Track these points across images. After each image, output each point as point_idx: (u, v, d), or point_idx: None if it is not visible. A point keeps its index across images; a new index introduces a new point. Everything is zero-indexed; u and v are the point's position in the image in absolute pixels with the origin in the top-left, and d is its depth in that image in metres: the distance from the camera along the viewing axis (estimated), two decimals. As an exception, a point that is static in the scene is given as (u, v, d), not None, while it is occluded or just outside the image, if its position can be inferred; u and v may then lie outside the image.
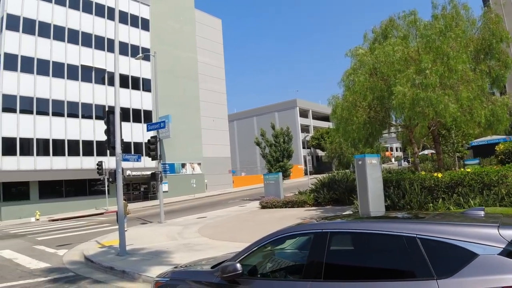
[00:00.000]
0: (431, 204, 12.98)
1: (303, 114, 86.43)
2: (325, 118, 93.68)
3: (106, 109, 42.11)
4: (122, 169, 12.65)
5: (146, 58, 44.98)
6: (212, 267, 4.69)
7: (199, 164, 54.25)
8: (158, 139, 20.82)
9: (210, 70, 59.06)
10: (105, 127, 13.08)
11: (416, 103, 12.83)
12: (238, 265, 4.01)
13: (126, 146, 38.48)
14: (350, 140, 16.56)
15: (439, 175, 13.55)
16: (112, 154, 39.65)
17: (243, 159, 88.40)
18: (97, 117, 42.20)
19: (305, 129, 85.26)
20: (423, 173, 14.77)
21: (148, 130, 22.06)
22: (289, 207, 22.26)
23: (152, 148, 20.51)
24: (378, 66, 14.19)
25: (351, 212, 13.63)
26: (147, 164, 42.56)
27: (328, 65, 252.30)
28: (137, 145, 45.39)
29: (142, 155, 33.25)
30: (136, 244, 14.24)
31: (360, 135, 15.62)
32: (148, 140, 20.99)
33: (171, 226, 19.17)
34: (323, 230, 3.88)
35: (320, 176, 25.32)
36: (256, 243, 4.36)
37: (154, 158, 20.69)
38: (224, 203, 33.29)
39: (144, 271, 9.74)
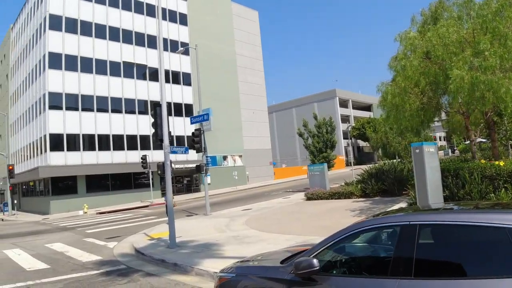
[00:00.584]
0: (492, 194, 12.20)
1: (343, 104, 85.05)
2: (366, 107, 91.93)
3: (149, 104, 42.79)
4: (170, 162, 12.56)
5: (186, 52, 45.36)
6: (281, 262, 4.39)
7: (240, 156, 54.35)
8: (202, 131, 20.78)
9: (248, 62, 58.92)
10: (147, 121, 13.11)
11: (476, 87, 12.04)
12: (315, 261, 3.69)
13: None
14: (402, 128, 15.85)
15: (501, 163, 12.71)
16: (157, 147, 40.71)
17: (282, 151, 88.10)
18: (140, 112, 42.90)
19: (345, 119, 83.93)
20: (483, 161, 13.93)
21: (191, 123, 22.04)
22: (335, 199, 21.75)
23: (196, 141, 20.50)
24: (432, 49, 13.42)
25: (407, 204, 13.04)
26: (189, 157, 43.02)
27: (368, 53, 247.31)
28: (179, 139, 45.82)
29: (185, 148, 33.50)
30: (185, 236, 14.18)
31: (413, 122, 14.89)
32: (192, 133, 21.00)
33: (218, 218, 19.10)
34: (411, 222, 3.50)
35: (365, 167, 24.64)
36: (333, 237, 4.02)
37: (198, 150, 20.69)
38: (267, 195, 33.09)
39: (196, 264, 9.58)
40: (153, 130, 12.64)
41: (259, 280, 4.30)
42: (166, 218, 20.35)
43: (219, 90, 50.77)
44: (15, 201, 43.46)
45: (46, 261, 12.55)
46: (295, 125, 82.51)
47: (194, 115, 25.57)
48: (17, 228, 25.94)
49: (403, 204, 13.22)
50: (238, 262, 5.56)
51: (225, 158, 52.25)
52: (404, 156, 28.85)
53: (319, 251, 3.98)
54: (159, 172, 13.27)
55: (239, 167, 52.75)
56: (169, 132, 12.58)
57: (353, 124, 77.29)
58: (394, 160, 27.79)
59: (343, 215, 15.65)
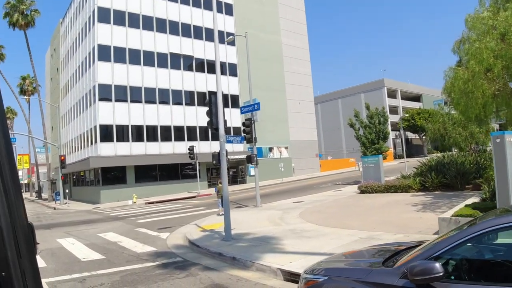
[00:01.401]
0: None
1: (391, 94, 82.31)
2: (415, 98, 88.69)
3: (195, 95, 42.76)
4: (226, 151, 12.08)
5: (232, 43, 44.93)
6: (383, 264, 3.71)
7: (286, 148, 53.62)
8: (252, 121, 20.30)
9: (294, 52, 57.77)
10: (194, 112, 12.76)
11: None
12: (438, 265, 3.01)
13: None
14: (472, 117, 14.64)
15: None
16: (203, 138, 40.65)
17: (328, 143, 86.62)
18: (187, 103, 42.93)
19: (393, 110, 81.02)
20: None
21: (242, 112, 21.62)
22: (391, 192, 20.74)
23: (247, 131, 20.11)
24: (510, 30, 12.17)
25: (479, 198, 11.98)
26: (235, 148, 42.76)
27: (418, 41, 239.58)
28: (225, 129, 45.52)
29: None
30: (238, 228, 13.72)
31: (487, 110, 13.67)
32: (243, 123, 20.63)
33: (269, 211, 18.58)
34: None
35: (424, 159, 23.37)
36: (457, 236, 3.30)
37: (249, 140, 20.28)
38: (316, 187, 32.29)
39: (257, 258, 9.06)
40: (200, 121, 12.31)
41: (359, 285, 3.63)
42: (215, 209, 20.15)
43: (265, 80, 50.04)
44: (67, 191, 44.72)
45: (100, 251, 12.43)
46: (341, 117, 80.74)
47: (241, 105, 25.13)
48: (69, 217, 26.45)
49: (475, 199, 12.16)
50: (324, 261, 4.87)
51: (271, 149, 51.68)
52: (464, 148, 27.22)
53: (438, 252, 3.27)
54: (214, 162, 12.81)
55: (285, 159, 52.03)
56: (225, 121, 12.10)
57: (406, 115, 74.44)
58: (454, 152, 26.30)
59: (404, 209, 14.77)
